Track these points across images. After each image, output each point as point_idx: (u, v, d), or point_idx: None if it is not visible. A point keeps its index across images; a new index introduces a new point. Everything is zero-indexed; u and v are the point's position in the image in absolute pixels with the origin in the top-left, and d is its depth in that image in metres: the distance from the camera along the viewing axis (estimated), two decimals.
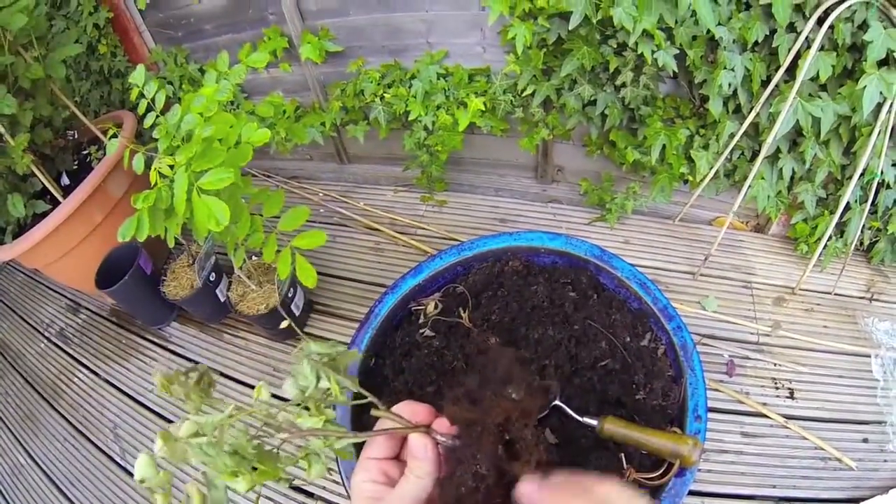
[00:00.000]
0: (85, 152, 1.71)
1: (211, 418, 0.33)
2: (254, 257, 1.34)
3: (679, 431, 0.70)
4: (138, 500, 1.28)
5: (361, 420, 0.70)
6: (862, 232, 1.35)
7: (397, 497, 0.41)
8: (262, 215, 0.96)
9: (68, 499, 1.35)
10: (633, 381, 0.72)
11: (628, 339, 0.76)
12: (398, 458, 0.45)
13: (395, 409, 0.45)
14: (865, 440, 1.16)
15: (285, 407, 0.39)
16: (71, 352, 1.66)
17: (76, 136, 1.78)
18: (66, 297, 1.83)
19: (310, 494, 1.21)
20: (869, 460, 1.13)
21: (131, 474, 1.32)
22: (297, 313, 1.36)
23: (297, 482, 1.23)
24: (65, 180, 1.67)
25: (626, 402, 0.70)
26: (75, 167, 1.70)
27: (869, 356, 1.26)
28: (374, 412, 0.45)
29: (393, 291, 0.75)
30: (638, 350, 0.76)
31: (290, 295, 1.30)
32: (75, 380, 1.59)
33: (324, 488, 1.20)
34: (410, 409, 0.46)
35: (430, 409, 0.46)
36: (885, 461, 1.13)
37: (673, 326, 0.78)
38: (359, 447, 0.68)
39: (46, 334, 1.76)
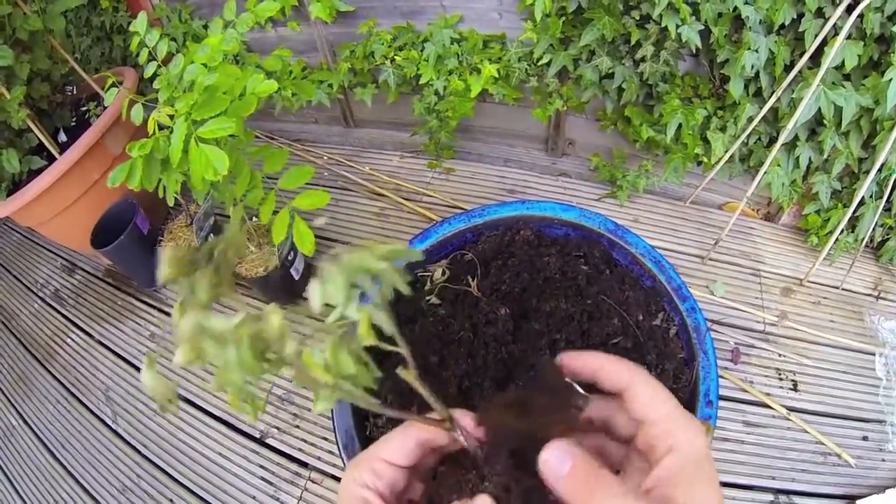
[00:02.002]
0: (84, 108, 1.67)
1: (224, 323, 0.27)
2: (254, 218, 1.31)
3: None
4: (128, 464, 1.27)
5: (366, 424, 0.67)
6: (873, 229, 1.32)
7: None
8: (262, 173, 0.92)
9: (59, 461, 1.34)
10: (644, 361, 0.70)
11: (641, 317, 0.73)
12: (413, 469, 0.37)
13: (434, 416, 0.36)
14: (865, 438, 1.15)
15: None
16: (65, 313, 1.64)
17: (75, 92, 1.73)
18: (61, 257, 1.80)
19: (304, 464, 1.19)
20: (868, 458, 1.12)
21: (123, 438, 1.32)
22: (296, 277, 1.33)
23: (291, 451, 1.22)
24: (62, 137, 1.63)
25: None
26: (73, 124, 1.66)
27: (873, 354, 1.25)
28: (404, 415, 0.36)
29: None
30: (650, 329, 0.73)
31: (290, 258, 1.27)
32: (69, 341, 1.56)
33: (318, 458, 1.19)
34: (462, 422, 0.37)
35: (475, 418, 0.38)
36: (884, 460, 1.12)
37: (687, 307, 0.76)
38: (364, 439, 0.66)
39: (41, 295, 1.73)
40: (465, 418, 0.37)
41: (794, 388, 1.20)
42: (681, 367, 0.72)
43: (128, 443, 1.30)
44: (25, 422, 1.45)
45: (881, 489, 1.06)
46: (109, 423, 1.35)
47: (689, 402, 0.69)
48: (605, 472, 0.32)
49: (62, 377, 1.49)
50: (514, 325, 0.67)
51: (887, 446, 1.14)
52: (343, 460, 0.60)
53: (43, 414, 1.44)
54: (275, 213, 0.92)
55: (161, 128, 0.91)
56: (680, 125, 1.24)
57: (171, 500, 1.19)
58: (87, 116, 1.64)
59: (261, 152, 0.90)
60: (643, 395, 0.33)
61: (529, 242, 0.75)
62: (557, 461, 0.32)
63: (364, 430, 0.65)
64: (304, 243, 0.89)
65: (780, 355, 1.24)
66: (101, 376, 1.44)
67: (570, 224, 0.77)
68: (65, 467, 1.33)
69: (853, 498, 1.07)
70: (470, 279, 0.70)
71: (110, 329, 1.53)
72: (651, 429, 0.33)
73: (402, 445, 0.36)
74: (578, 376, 0.38)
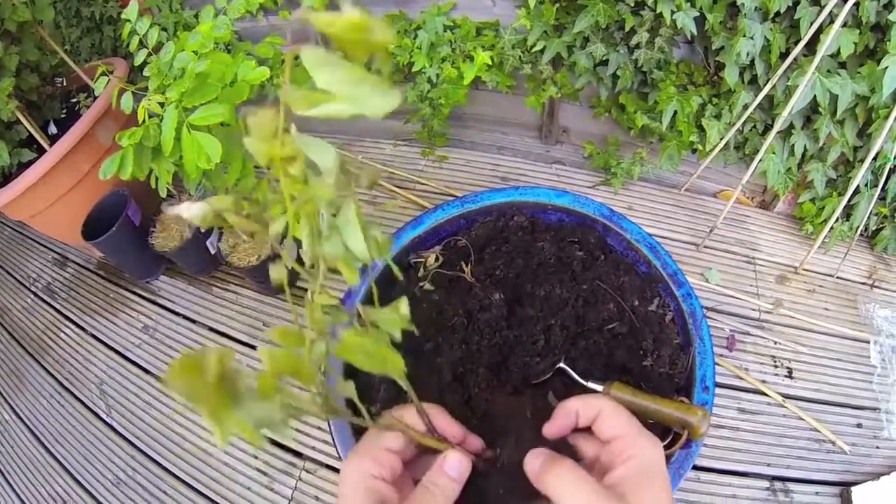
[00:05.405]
0: (74, 100, 1.65)
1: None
2: None
3: (687, 401, 0.67)
4: (123, 457, 1.26)
5: (358, 377, 0.67)
6: (868, 217, 1.32)
7: None
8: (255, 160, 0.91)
9: (53, 455, 1.33)
10: (640, 346, 0.70)
11: (636, 303, 0.73)
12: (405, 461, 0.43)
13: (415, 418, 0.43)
14: (860, 425, 1.15)
15: None
16: (57, 307, 1.62)
17: (65, 84, 1.71)
18: (53, 250, 1.78)
19: (298, 454, 1.19)
20: (862, 445, 1.12)
21: (117, 431, 1.31)
22: (290, 266, 1.32)
23: (285, 441, 1.21)
24: (52, 129, 1.61)
25: (632, 368, 0.67)
26: (63, 116, 1.65)
27: (868, 342, 1.25)
28: (394, 414, 0.42)
29: (393, 243, 0.72)
30: (646, 315, 0.73)
31: (283, 247, 1.26)
32: (62, 335, 1.55)
33: (313, 448, 1.18)
34: (441, 424, 0.44)
35: (463, 430, 0.45)
36: (878, 448, 1.13)
37: (682, 293, 0.76)
38: (358, 431, 0.66)
39: (33, 289, 1.71)
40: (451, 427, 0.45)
41: (790, 376, 1.20)
42: (677, 353, 0.72)
43: (122, 436, 1.29)
44: (19, 416, 1.43)
45: (875, 476, 1.06)
46: (103, 416, 1.34)
47: (685, 387, 0.69)
48: (567, 459, 0.39)
49: (55, 371, 1.48)
50: (508, 310, 0.66)
51: (882, 434, 1.14)
52: (338, 451, 0.60)
53: (36, 408, 1.43)
54: None
55: (151, 116, 0.90)
56: (675, 112, 1.23)
57: (165, 492, 1.19)
58: (77, 108, 1.62)
59: None
60: (610, 416, 0.40)
61: (523, 228, 0.75)
62: (533, 459, 0.40)
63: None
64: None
65: (775, 343, 1.24)
66: (95, 369, 1.43)
67: (565, 210, 0.77)
68: (59, 461, 1.32)
69: (847, 485, 1.07)
70: (463, 265, 0.70)
71: (103, 322, 1.52)
72: (614, 444, 0.39)
73: (397, 433, 0.42)
74: (563, 433, 0.45)
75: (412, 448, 0.44)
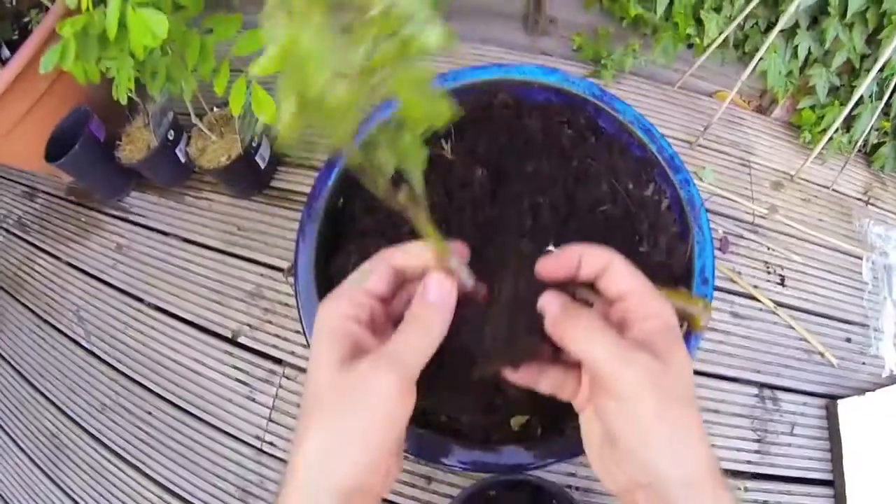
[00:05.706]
0: (26, 20, 1.53)
1: None
2: (215, 108, 1.21)
3: (687, 291, 0.64)
4: (105, 382, 1.24)
5: (329, 269, 0.63)
6: (869, 132, 1.27)
7: (393, 354, 0.32)
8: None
9: (39, 391, 1.30)
10: (636, 231, 0.66)
11: (631, 186, 0.69)
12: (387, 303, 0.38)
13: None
14: (849, 340, 1.15)
15: None
16: (30, 239, 1.56)
17: (14, 4, 1.58)
18: (20, 183, 1.70)
19: (278, 361, 1.16)
20: (850, 360, 1.12)
21: (97, 356, 1.28)
22: (262, 165, 1.24)
23: (265, 349, 1.19)
24: (4, 53, 1.50)
25: (627, 254, 0.64)
26: (16, 38, 1.53)
27: (860, 258, 1.23)
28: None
29: (369, 122, 0.66)
30: (641, 199, 0.69)
31: (254, 145, 1.19)
32: (36, 267, 1.50)
33: (292, 353, 1.16)
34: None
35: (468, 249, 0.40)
36: (864, 364, 1.13)
37: (680, 179, 0.71)
38: (325, 284, 0.62)
39: (4, 226, 1.64)
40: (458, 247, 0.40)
41: (782, 283, 1.18)
42: (674, 242, 0.68)
43: (103, 360, 1.26)
44: (2, 356, 1.40)
45: (861, 391, 1.07)
46: (83, 343, 1.31)
47: (684, 278, 0.65)
48: (586, 308, 0.36)
49: (33, 305, 1.43)
50: (491, 187, 0.62)
51: (869, 350, 1.14)
52: (300, 314, 0.56)
53: (17, 345, 1.40)
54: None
55: (97, 6, 0.81)
56: (671, 2, 1.15)
57: (149, 413, 1.17)
58: (29, 27, 1.50)
59: (211, 20, 0.80)
60: (622, 271, 0.36)
61: (508, 107, 0.69)
62: (551, 301, 0.36)
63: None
64: (263, 109, 0.80)
65: (768, 248, 1.21)
66: (72, 297, 1.38)
67: (553, 88, 0.71)
68: (45, 396, 1.29)
69: (833, 398, 1.07)
70: (443, 143, 0.64)
71: (77, 248, 1.46)
72: (629, 299, 0.35)
73: (379, 273, 0.37)
74: (559, 275, 0.39)
75: (401, 297, 0.39)
